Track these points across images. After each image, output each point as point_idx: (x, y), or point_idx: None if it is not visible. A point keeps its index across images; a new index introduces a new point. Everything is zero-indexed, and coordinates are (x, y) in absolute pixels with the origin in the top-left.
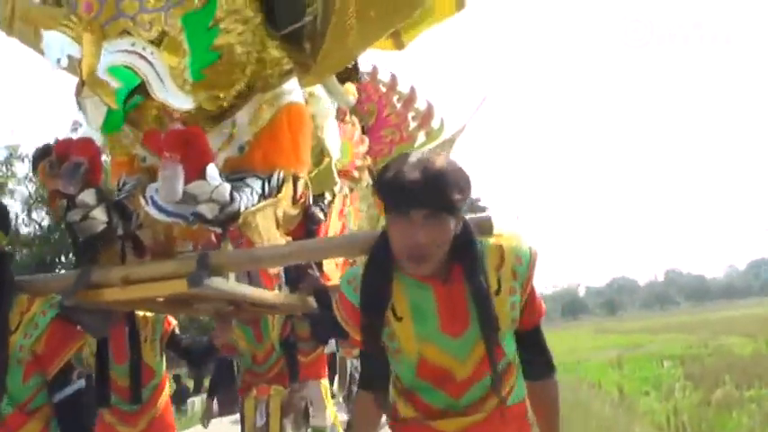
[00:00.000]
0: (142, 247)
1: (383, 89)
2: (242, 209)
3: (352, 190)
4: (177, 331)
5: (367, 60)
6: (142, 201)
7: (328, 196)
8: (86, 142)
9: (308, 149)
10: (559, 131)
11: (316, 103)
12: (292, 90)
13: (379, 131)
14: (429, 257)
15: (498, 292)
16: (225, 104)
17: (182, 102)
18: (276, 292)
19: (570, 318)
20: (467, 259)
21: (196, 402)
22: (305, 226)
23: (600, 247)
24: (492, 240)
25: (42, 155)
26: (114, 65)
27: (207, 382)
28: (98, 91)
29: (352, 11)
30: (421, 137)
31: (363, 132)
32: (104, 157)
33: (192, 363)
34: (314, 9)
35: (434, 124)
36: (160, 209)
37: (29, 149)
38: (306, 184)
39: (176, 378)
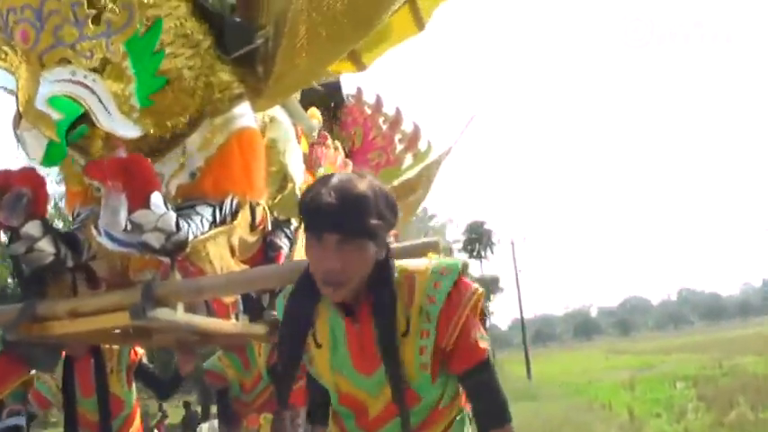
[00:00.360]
0: (96, 279)
1: (368, 111)
2: (190, 237)
3: None
4: (145, 360)
5: (352, 82)
6: (94, 231)
7: (295, 222)
8: (29, 172)
9: (262, 175)
10: (563, 144)
11: (277, 128)
12: (244, 114)
13: (366, 154)
14: (343, 284)
15: (406, 333)
16: (174, 130)
17: (128, 129)
18: (233, 321)
19: (583, 338)
20: (377, 294)
21: (204, 428)
22: (264, 253)
23: (612, 267)
24: (406, 271)
25: None
26: (54, 95)
27: (214, 409)
28: (38, 123)
29: (303, 32)
30: (408, 159)
31: (348, 155)
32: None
33: (160, 393)
34: (266, 32)
35: (421, 146)
36: (113, 239)
37: None
38: (264, 210)
39: (186, 405)
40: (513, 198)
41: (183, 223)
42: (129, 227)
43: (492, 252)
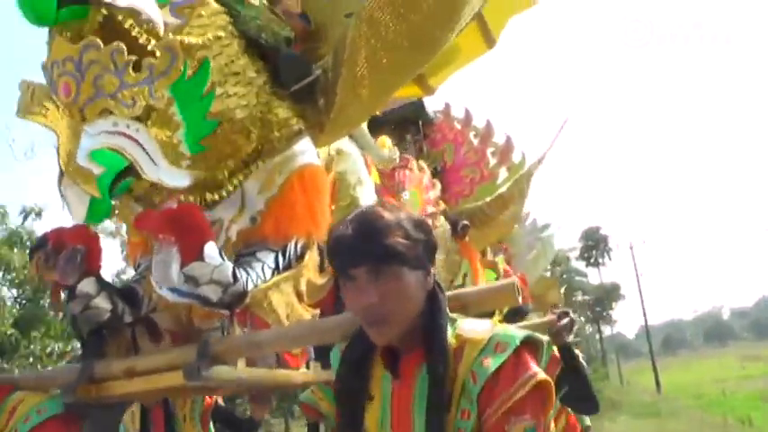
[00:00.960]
0: (157, 331)
1: (458, 126)
2: (250, 287)
3: None
4: (221, 401)
5: (439, 98)
6: (154, 284)
7: None
8: (81, 228)
9: (327, 212)
10: (680, 138)
11: (345, 160)
12: (305, 151)
13: (459, 171)
14: (386, 320)
15: (449, 407)
16: (231, 174)
17: (177, 179)
18: (303, 370)
19: (715, 344)
20: (426, 347)
21: None
22: (335, 296)
23: (743, 264)
24: (460, 338)
25: (37, 247)
26: (95, 149)
27: None
28: (78, 179)
29: (363, 60)
30: (503, 173)
31: (441, 174)
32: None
33: None
34: (324, 62)
35: (515, 158)
36: (173, 290)
37: None
38: None
39: None
40: (630, 200)
41: (241, 273)
42: (183, 280)
43: (610, 258)
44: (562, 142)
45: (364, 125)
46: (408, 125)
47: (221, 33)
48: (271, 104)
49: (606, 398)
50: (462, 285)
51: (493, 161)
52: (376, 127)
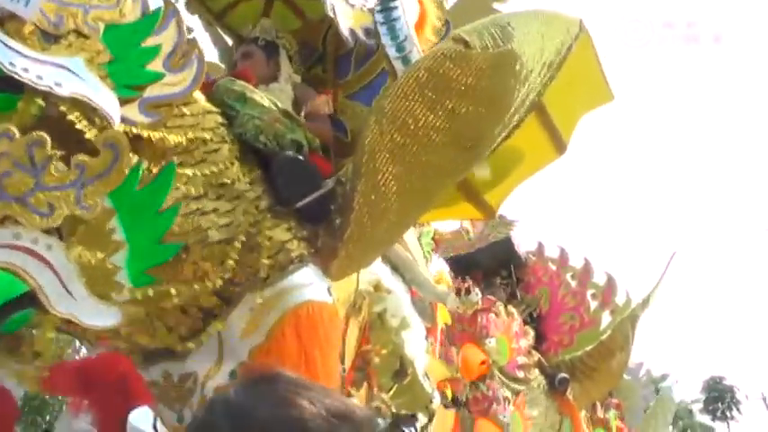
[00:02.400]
0: None
1: (553, 267)
2: None
3: (517, 393)
4: None
5: (530, 237)
6: None
7: (422, 418)
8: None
9: (335, 365)
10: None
11: (384, 300)
12: (305, 284)
13: (556, 318)
14: None
15: None
16: (201, 312)
17: (100, 317)
18: None
19: None
20: None
21: None
22: None
23: None
24: None
25: None
26: None
27: None
28: None
29: (386, 163)
30: (605, 317)
31: (533, 322)
32: None
33: None
34: (343, 172)
35: (618, 300)
36: None
37: None
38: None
39: None
40: (757, 344)
41: None
42: None
43: (739, 411)
44: (672, 279)
45: (417, 253)
46: (498, 268)
47: (207, 136)
48: (262, 224)
49: None
50: None
51: (594, 304)
52: (460, 270)
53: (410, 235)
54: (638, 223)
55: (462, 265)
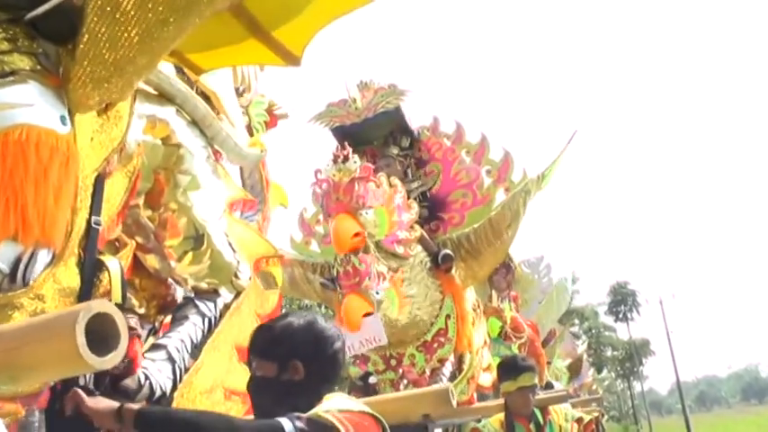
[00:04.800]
0: None
1: (448, 143)
2: None
3: (395, 270)
4: None
5: (426, 111)
6: None
7: (227, 294)
8: None
9: (56, 205)
10: (712, 186)
11: (174, 151)
12: (21, 104)
13: (448, 196)
14: None
15: None
16: None
17: None
18: None
19: (753, 401)
20: None
21: None
22: None
23: None
24: None
25: None
26: None
27: None
28: None
29: None
30: (500, 195)
31: (425, 200)
32: None
33: None
34: None
35: (515, 177)
36: None
37: None
38: None
39: None
40: (659, 252)
41: None
42: None
43: (639, 313)
44: (585, 189)
45: (236, 115)
46: (391, 142)
47: None
48: None
49: None
50: (445, 328)
51: (488, 181)
52: (357, 145)
53: (229, 97)
54: (541, 99)
55: (355, 140)
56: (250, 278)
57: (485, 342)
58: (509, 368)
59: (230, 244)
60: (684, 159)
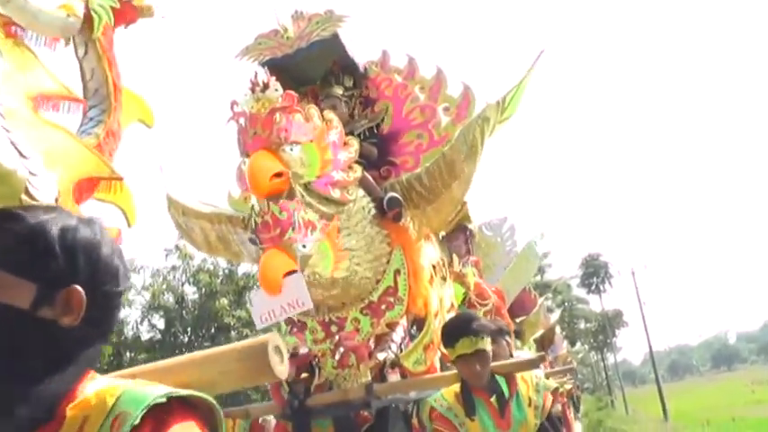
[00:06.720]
0: None
1: (399, 79)
2: None
3: (330, 218)
4: None
5: (374, 45)
6: None
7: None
8: None
9: None
10: (684, 158)
11: None
12: None
13: (399, 138)
14: None
15: None
16: None
17: None
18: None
19: (723, 368)
20: None
21: None
22: None
23: (748, 286)
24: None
25: None
26: None
27: None
28: None
29: None
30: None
31: (376, 140)
32: None
33: None
34: None
35: (476, 113)
36: None
37: (143, 262)
38: None
39: None
40: (630, 224)
41: None
42: None
43: (611, 285)
44: (557, 161)
45: None
46: (336, 81)
47: None
48: None
49: (610, 428)
50: (394, 287)
51: (446, 120)
52: (296, 86)
53: None
54: (506, 22)
55: (292, 78)
56: (57, 199)
57: (452, 305)
58: (445, 334)
59: (23, 154)
60: (657, 131)
